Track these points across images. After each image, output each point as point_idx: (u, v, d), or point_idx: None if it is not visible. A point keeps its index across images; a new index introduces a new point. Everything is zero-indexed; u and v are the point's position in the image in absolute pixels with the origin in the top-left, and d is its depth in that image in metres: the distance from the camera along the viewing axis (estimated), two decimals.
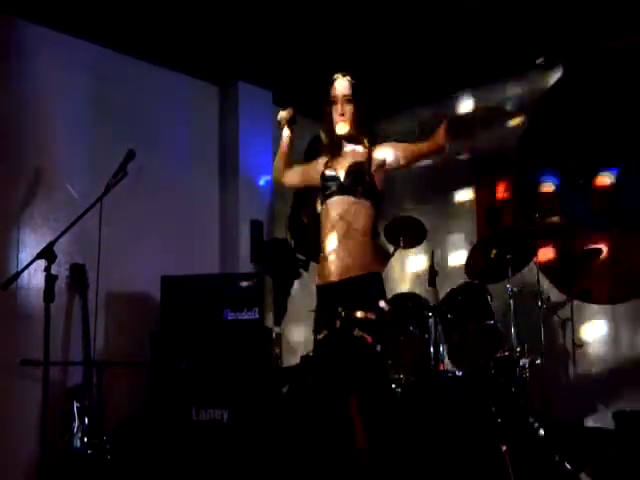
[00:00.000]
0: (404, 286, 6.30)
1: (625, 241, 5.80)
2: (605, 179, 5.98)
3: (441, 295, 5.39)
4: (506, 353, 5.25)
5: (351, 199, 3.74)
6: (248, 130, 6.85)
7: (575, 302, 5.88)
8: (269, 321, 5.33)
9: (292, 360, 5.94)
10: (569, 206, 6.07)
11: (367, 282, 3.66)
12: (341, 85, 4.01)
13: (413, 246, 6.04)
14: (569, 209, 6.02)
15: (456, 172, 6.97)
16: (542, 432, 4.83)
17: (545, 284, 5.90)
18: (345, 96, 3.94)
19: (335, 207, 3.76)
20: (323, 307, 3.73)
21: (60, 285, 5.21)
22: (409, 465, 4.65)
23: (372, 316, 3.55)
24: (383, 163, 3.85)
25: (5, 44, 5.44)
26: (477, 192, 6.84)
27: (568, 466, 4.74)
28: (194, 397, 5.09)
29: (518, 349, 5.18)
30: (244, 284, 5.28)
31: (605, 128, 5.99)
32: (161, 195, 6.16)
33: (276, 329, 5.43)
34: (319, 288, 3.77)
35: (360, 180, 3.76)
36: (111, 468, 4.95)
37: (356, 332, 3.53)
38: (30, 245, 5.27)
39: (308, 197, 6.89)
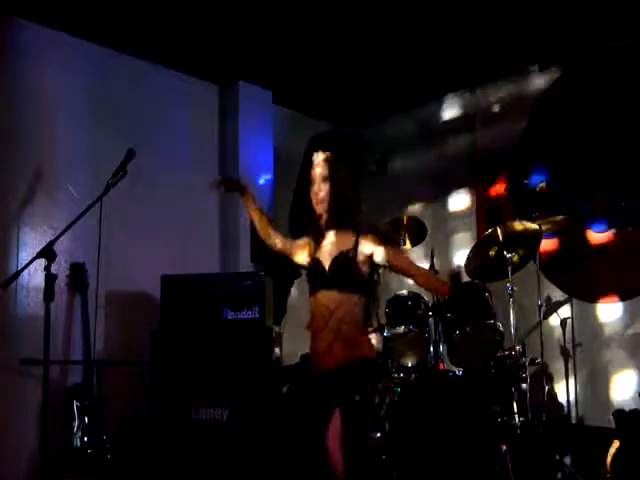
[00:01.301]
0: (404, 285, 6.28)
1: (625, 240, 5.80)
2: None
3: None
4: (506, 352, 5.26)
5: (337, 294, 3.64)
6: (248, 129, 6.85)
7: (575, 301, 5.88)
8: (269, 320, 5.33)
9: (292, 359, 5.94)
10: (569, 205, 6.07)
11: (364, 367, 3.64)
12: (318, 165, 3.81)
13: (413, 245, 6.05)
14: (569, 208, 6.02)
15: (457, 171, 6.97)
16: (542, 431, 4.83)
17: (545, 283, 5.91)
18: (322, 174, 3.76)
19: (323, 301, 3.68)
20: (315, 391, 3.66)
21: (60, 284, 5.24)
22: (410, 464, 4.67)
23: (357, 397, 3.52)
24: (370, 258, 3.71)
25: (5, 43, 5.45)
26: (477, 191, 6.83)
27: (567, 463, 4.75)
28: (194, 396, 5.09)
29: (518, 348, 5.18)
30: (244, 283, 5.28)
31: (604, 126, 5.99)
32: (161, 194, 6.17)
33: (276, 328, 5.42)
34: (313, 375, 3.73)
35: (345, 276, 3.60)
36: (111, 467, 4.96)
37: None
38: (30, 244, 5.28)
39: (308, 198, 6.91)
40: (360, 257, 3.65)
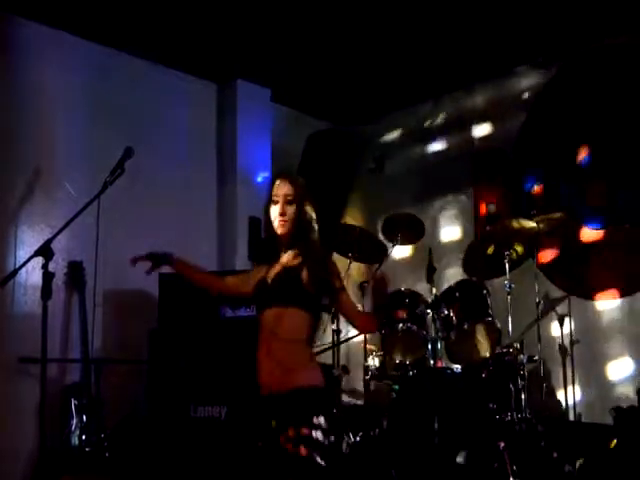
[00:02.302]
0: (402, 282, 6.29)
1: (623, 237, 5.80)
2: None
3: (439, 292, 5.39)
4: (504, 350, 5.26)
5: (281, 309, 3.38)
6: (246, 127, 6.86)
7: (573, 298, 5.88)
8: None
9: None
10: (567, 203, 6.07)
11: (304, 397, 3.30)
12: (283, 185, 3.55)
13: (411, 242, 6.06)
14: (567, 206, 6.02)
15: (455, 168, 6.97)
16: (540, 428, 4.84)
17: (543, 280, 5.91)
18: (287, 196, 3.52)
19: (266, 321, 3.42)
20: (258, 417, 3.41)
21: (58, 283, 5.24)
22: (408, 461, 4.67)
23: (306, 431, 3.18)
24: (316, 282, 3.43)
25: (3, 42, 5.45)
26: (475, 189, 6.84)
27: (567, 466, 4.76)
28: (192, 394, 5.09)
29: (516, 345, 5.18)
30: None
31: (601, 124, 5.99)
32: (159, 192, 6.17)
33: None
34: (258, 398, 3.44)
35: (288, 289, 3.42)
36: (109, 465, 4.96)
37: (291, 448, 3.18)
38: (28, 242, 5.28)
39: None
40: (305, 277, 3.40)
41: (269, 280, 3.50)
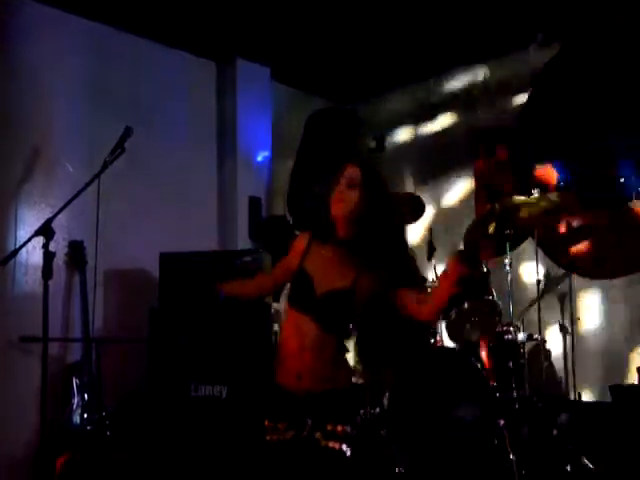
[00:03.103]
0: None
1: (625, 215, 5.80)
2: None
3: (439, 270, 5.39)
4: (504, 328, 5.27)
5: (318, 330, 3.08)
6: (246, 106, 6.84)
7: (573, 276, 5.89)
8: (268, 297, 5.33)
9: None
10: (569, 181, 6.07)
11: (347, 395, 3.18)
12: (352, 171, 3.15)
13: (412, 221, 6.05)
14: (568, 184, 6.02)
15: (455, 147, 6.96)
16: (540, 405, 4.86)
17: (544, 259, 5.92)
18: (351, 180, 3.13)
19: (300, 329, 3.12)
20: (286, 412, 3.15)
21: (58, 262, 5.25)
22: (409, 439, 4.70)
23: (348, 429, 3.07)
24: (368, 295, 3.13)
25: (2, 22, 5.42)
26: (476, 168, 6.82)
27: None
28: (193, 373, 5.09)
29: (516, 324, 5.20)
30: (243, 261, 5.27)
31: (603, 102, 5.97)
32: (159, 172, 6.16)
33: (275, 305, 5.42)
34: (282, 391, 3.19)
35: (337, 319, 3.13)
36: (111, 443, 4.98)
37: (324, 442, 3.04)
38: (28, 222, 5.27)
39: (307, 175, 6.90)
40: (358, 295, 3.10)
41: (318, 282, 3.13)
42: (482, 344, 5.19)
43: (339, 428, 3.05)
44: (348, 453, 3.06)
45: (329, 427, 3.05)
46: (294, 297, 3.21)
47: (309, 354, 3.09)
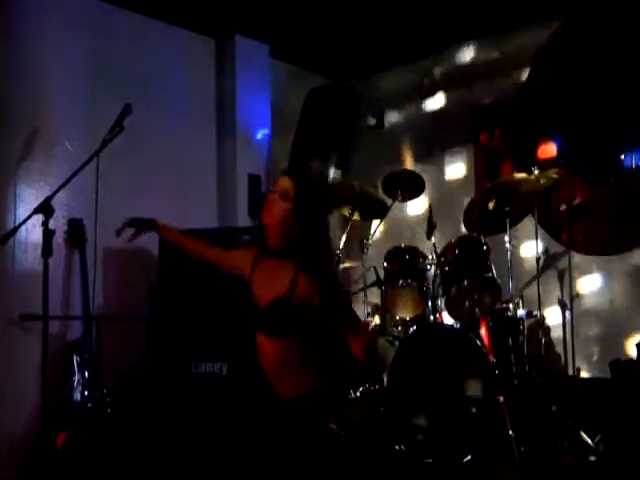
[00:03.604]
0: (402, 239, 6.30)
1: (625, 191, 5.79)
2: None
3: (439, 248, 5.39)
4: (504, 305, 5.28)
5: (273, 343, 3.27)
6: (245, 83, 6.81)
7: (573, 253, 5.89)
8: None
9: None
10: (569, 158, 6.06)
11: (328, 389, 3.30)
12: (284, 181, 3.30)
13: (411, 199, 6.04)
14: (567, 160, 6.01)
15: (455, 124, 6.94)
16: (539, 381, 4.87)
17: (543, 235, 5.92)
18: (284, 191, 3.25)
19: (263, 349, 3.36)
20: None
21: (58, 240, 5.23)
22: (408, 416, 4.71)
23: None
24: (309, 300, 3.17)
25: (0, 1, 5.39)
26: (475, 144, 6.81)
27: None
28: (193, 350, 5.11)
29: (516, 301, 5.21)
30: (242, 238, 5.28)
31: (604, 78, 5.95)
32: (158, 149, 6.15)
33: None
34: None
35: (280, 325, 3.24)
36: (111, 421, 5.00)
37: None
38: (27, 200, 5.25)
39: (306, 151, 6.89)
40: (296, 298, 3.17)
41: (261, 297, 3.32)
42: (481, 321, 5.18)
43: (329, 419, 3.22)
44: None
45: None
46: (254, 320, 3.39)
47: (277, 369, 3.28)
